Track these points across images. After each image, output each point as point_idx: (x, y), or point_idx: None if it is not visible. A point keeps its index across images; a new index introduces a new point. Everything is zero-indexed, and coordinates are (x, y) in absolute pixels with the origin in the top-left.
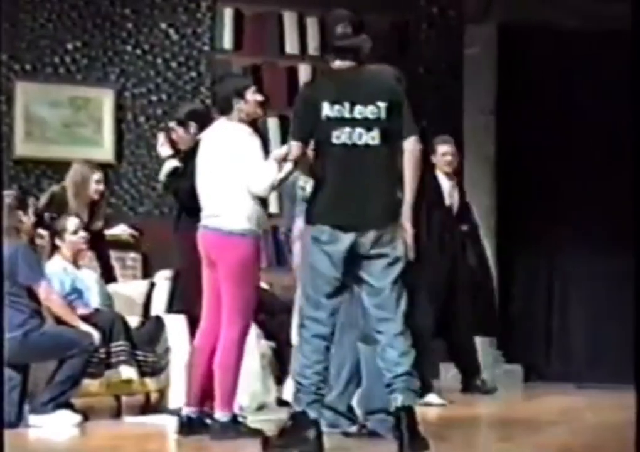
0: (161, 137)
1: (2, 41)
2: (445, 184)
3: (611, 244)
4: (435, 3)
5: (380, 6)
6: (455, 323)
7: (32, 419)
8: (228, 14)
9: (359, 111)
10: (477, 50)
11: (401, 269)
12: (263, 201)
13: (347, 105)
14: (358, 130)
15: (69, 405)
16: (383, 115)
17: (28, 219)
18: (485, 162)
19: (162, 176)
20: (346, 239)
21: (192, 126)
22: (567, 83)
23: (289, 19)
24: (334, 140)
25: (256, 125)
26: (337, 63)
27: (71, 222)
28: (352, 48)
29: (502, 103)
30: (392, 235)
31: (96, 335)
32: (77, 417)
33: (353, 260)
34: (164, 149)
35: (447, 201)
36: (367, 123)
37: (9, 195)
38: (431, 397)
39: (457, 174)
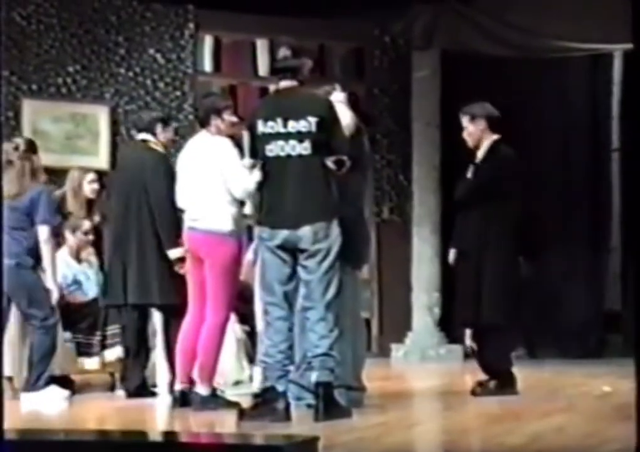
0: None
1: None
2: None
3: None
4: (387, 33)
5: (340, 35)
6: None
7: (24, 396)
8: (208, 41)
9: (292, 125)
10: (426, 73)
11: (332, 260)
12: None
13: (280, 120)
14: (292, 142)
15: (60, 382)
16: (314, 128)
17: (39, 160)
18: (432, 169)
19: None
20: (281, 235)
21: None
22: (500, 101)
23: (261, 46)
24: (268, 153)
25: (236, 139)
26: (281, 84)
27: (86, 223)
28: (290, 69)
29: (445, 119)
30: (326, 232)
31: (55, 293)
32: (65, 392)
33: (297, 254)
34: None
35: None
36: (299, 136)
37: (20, 141)
38: None
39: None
